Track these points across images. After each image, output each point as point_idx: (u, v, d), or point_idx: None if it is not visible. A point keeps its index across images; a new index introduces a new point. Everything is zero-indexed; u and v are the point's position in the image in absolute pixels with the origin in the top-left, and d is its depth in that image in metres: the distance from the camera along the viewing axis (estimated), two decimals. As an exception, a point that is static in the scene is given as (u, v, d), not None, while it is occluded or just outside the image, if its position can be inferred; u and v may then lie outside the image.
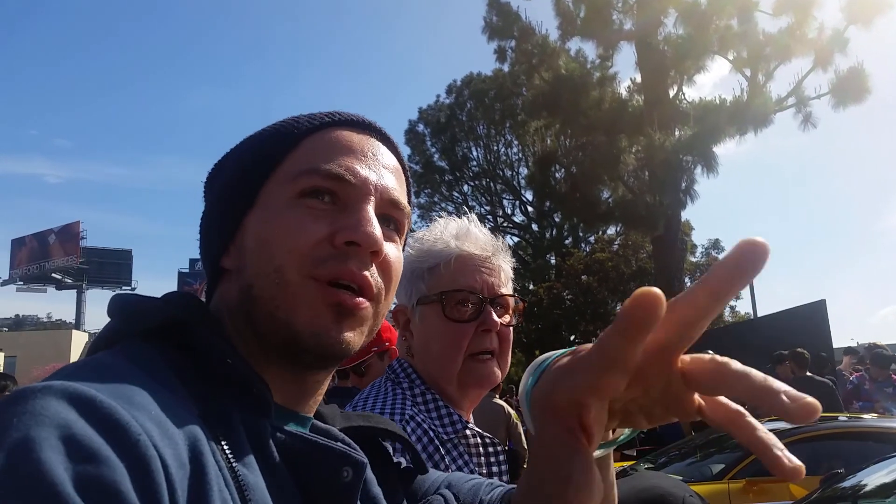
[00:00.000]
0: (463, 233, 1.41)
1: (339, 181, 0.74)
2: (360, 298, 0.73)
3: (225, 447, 0.60)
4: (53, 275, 68.69)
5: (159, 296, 0.75)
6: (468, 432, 1.33)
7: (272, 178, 0.75)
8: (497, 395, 8.26)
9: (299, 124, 0.78)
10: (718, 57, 17.01)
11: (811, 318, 12.36)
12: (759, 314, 19.67)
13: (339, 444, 0.72)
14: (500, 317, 1.36)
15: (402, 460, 0.89)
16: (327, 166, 0.74)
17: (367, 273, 0.74)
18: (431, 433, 1.25)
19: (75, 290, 71.65)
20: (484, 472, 1.33)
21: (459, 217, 1.46)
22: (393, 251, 0.79)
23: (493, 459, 1.36)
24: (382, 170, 0.79)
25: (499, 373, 1.37)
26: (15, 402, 0.49)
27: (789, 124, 16.67)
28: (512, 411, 8.14)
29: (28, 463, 0.45)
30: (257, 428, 0.66)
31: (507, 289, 1.40)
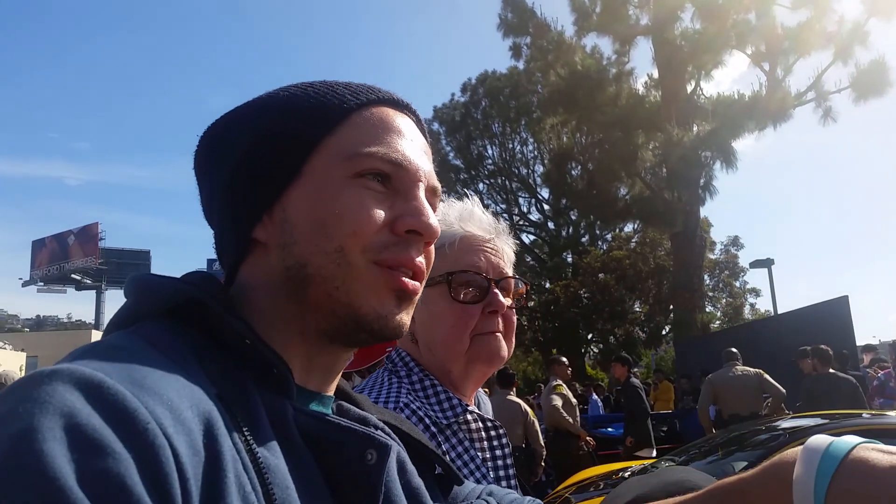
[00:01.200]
0: (467, 214, 1.39)
1: (396, 166, 0.74)
2: (417, 283, 0.74)
3: (244, 429, 0.58)
4: (73, 275, 69.62)
5: (178, 275, 0.73)
6: (469, 417, 1.30)
7: (319, 152, 0.73)
8: (512, 392, 8.23)
9: (346, 98, 0.75)
10: (736, 51, 16.87)
11: (834, 315, 12.21)
12: (780, 311, 19.50)
13: (361, 426, 0.70)
14: (503, 298, 1.33)
15: (438, 468, 0.88)
16: (385, 150, 0.73)
17: (421, 260, 0.75)
18: (427, 420, 1.22)
19: (94, 291, 72.58)
20: (487, 455, 1.30)
21: (462, 200, 1.44)
22: None
23: (495, 443, 1.32)
24: (424, 155, 0.79)
25: (507, 350, 1.35)
26: (23, 387, 0.48)
27: (809, 119, 16.51)
28: (528, 409, 8.10)
29: (29, 454, 0.43)
30: (278, 408, 0.64)
31: (509, 270, 1.38)
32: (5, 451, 0.43)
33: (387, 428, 0.80)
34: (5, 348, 44.67)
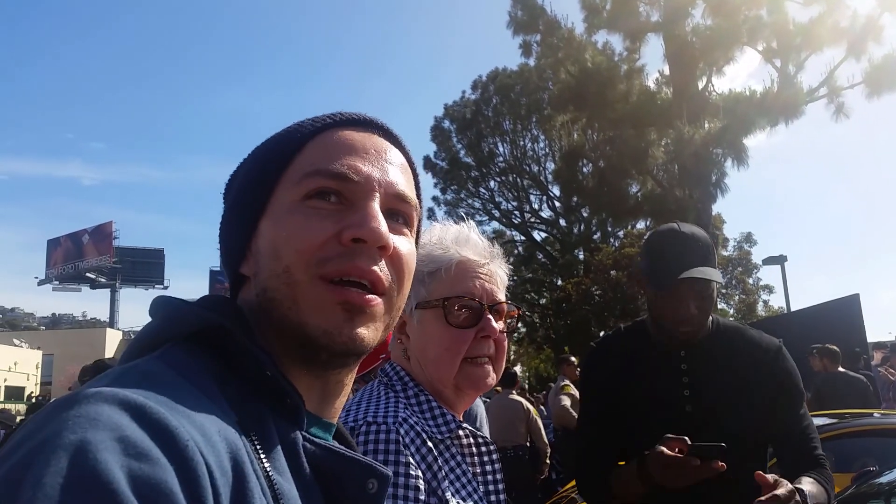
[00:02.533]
0: (463, 238, 1.43)
1: (343, 180, 0.75)
2: (371, 295, 0.74)
3: (262, 455, 0.62)
4: (88, 274, 70.09)
5: (195, 298, 0.77)
6: (461, 433, 1.34)
7: (281, 184, 0.77)
8: (515, 392, 8.24)
9: (303, 127, 0.79)
10: (747, 48, 16.74)
11: (845, 313, 12.13)
12: (794, 308, 19.37)
13: (363, 456, 0.74)
14: (495, 322, 1.38)
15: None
16: (329, 166, 0.75)
17: (376, 268, 0.74)
18: (424, 435, 1.25)
19: (109, 290, 72.98)
20: (478, 471, 1.34)
21: (458, 223, 1.48)
22: (404, 244, 0.79)
23: (486, 459, 1.36)
24: (386, 165, 0.79)
25: (494, 376, 1.39)
26: (68, 406, 0.51)
27: (821, 115, 16.31)
28: (531, 407, 8.12)
29: (85, 463, 0.47)
30: (290, 436, 0.68)
31: (502, 295, 1.43)
32: (64, 460, 0.46)
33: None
34: (22, 346, 45.12)
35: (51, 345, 48.00)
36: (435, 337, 1.35)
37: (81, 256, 68.85)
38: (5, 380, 34.48)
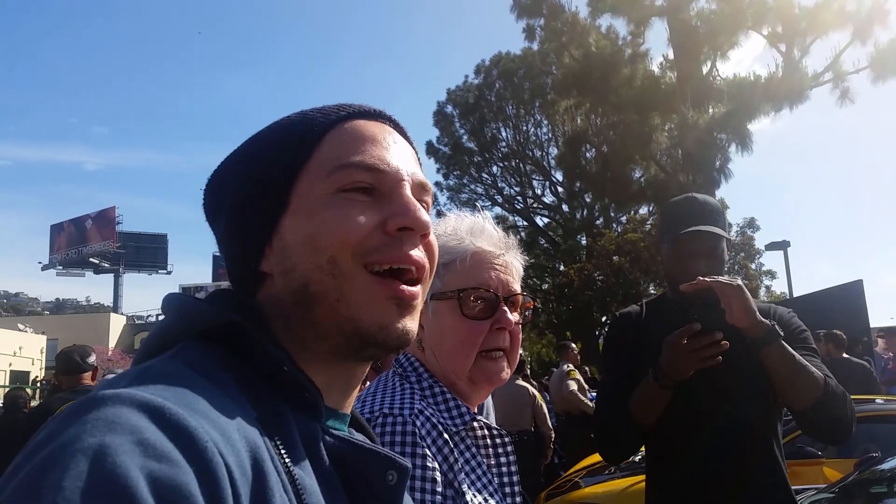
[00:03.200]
0: (478, 229, 1.41)
1: (375, 172, 0.76)
2: (414, 289, 0.76)
3: (282, 450, 0.63)
4: (91, 259, 70.13)
5: (205, 296, 0.78)
6: (476, 424, 1.33)
7: (302, 179, 0.76)
8: (520, 378, 8.27)
9: (315, 121, 0.78)
10: (752, 32, 16.62)
11: (848, 299, 12.12)
12: (796, 294, 19.35)
13: (382, 448, 0.75)
14: (511, 314, 1.37)
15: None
16: (359, 158, 0.75)
17: (421, 255, 0.77)
18: (441, 427, 1.24)
19: (112, 274, 73.02)
20: (492, 462, 1.33)
21: (473, 213, 1.48)
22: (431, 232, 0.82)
23: (500, 451, 1.36)
24: (406, 155, 0.81)
25: (508, 370, 1.39)
26: (87, 409, 0.52)
27: (826, 100, 16.20)
28: (536, 393, 8.14)
29: (105, 467, 0.47)
30: (309, 430, 0.68)
31: (517, 286, 1.41)
32: (83, 464, 0.47)
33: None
34: (26, 331, 45.25)
35: (55, 329, 48.10)
36: (450, 329, 1.34)
37: (85, 241, 68.87)
38: (10, 364, 34.63)
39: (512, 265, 1.42)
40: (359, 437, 0.79)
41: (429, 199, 0.82)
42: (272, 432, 0.63)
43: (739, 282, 2.00)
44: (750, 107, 15.58)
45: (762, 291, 31.72)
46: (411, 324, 0.76)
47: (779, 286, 31.61)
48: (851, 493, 4.30)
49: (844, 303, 12.03)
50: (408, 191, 0.77)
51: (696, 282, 2.00)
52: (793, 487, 4.73)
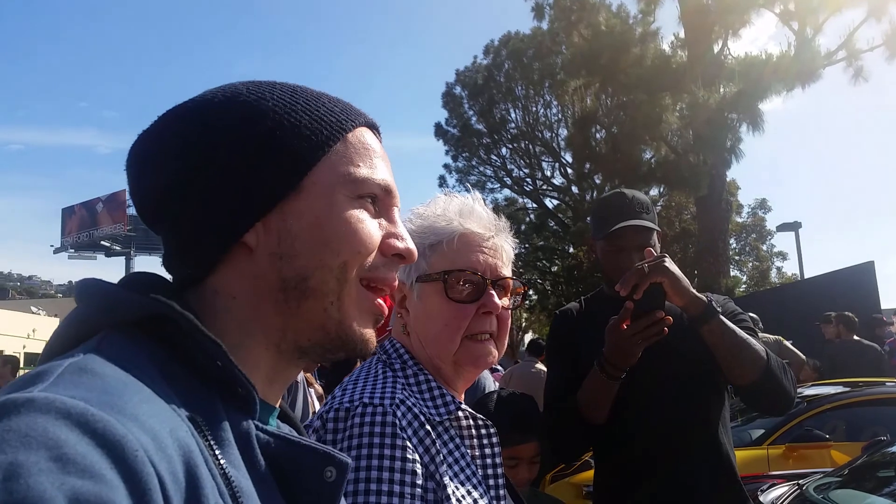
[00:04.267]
0: (467, 210, 1.38)
1: (386, 192, 0.80)
2: (387, 306, 0.81)
3: (216, 451, 0.60)
4: (102, 242, 70.55)
5: (121, 279, 0.72)
6: (460, 414, 1.30)
7: (320, 168, 0.75)
8: (539, 361, 8.24)
9: (341, 120, 0.78)
10: (764, 10, 16.37)
11: (860, 280, 12.05)
12: (808, 274, 19.26)
13: (320, 444, 0.72)
14: (499, 298, 1.34)
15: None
16: (381, 176, 0.79)
17: (396, 282, 0.82)
18: (423, 417, 1.21)
19: (124, 257, 73.44)
20: (476, 453, 1.30)
21: (463, 193, 1.44)
22: None
23: (485, 441, 1.32)
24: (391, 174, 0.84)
25: (496, 353, 1.35)
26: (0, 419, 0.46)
27: (839, 79, 15.93)
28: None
29: (17, 491, 0.42)
30: (243, 428, 0.66)
31: (507, 270, 1.38)
32: None
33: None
34: (40, 314, 45.78)
35: (68, 312, 48.49)
36: (435, 312, 1.31)
37: (96, 225, 69.24)
38: (24, 346, 35.00)
39: (502, 248, 1.38)
40: (286, 429, 0.78)
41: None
42: (205, 431, 0.60)
43: (668, 262, 2.00)
44: (761, 86, 15.36)
45: (773, 273, 31.56)
46: (374, 339, 0.80)
47: (790, 267, 31.43)
48: (859, 477, 4.27)
49: (856, 285, 11.97)
50: (398, 214, 0.82)
51: (624, 278, 1.99)
52: (800, 471, 4.70)
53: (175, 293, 0.68)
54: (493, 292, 1.32)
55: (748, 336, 2.10)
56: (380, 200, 0.80)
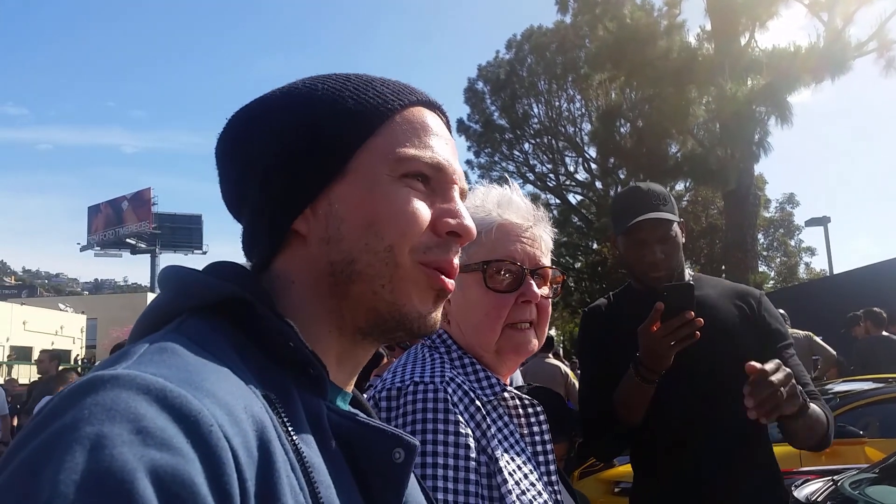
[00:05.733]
0: (505, 201, 1.40)
1: (438, 169, 0.77)
2: (452, 282, 0.78)
3: (290, 428, 0.61)
4: (128, 240, 71.63)
5: (203, 267, 0.76)
6: (506, 394, 1.32)
7: (364, 151, 0.75)
8: (550, 355, 8.20)
9: (388, 99, 0.78)
10: (793, 1, 16.13)
11: (891, 276, 11.84)
12: (837, 270, 18.99)
13: (388, 425, 0.73)
14: (538, 287, 1.35)
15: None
16: (430, 154, 0.77)
17: (457, 261, 0.79)
18: (472, 394, 1.23)
19: (149, 255, 74.44)
20: (525, 432, 1.32)
21: (501, 185, 1.46)
22: None
23: (533, 420, 1.34)
24: (456, 155, 0.83)
25: (536, 342, 1.37)
26: (84, 394, 0.50)
27: (870, 70, 15.70)
28: (569, 371, 8.07)
29: (102, 460, 0.45)
30: (315, 408, 0.67)
31: (546, 259, 1.40)
32: (80, 456, 0.45)
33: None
34: (67, 311, 46.43)
35: (94, 309, 49.28)
36: (475, 301, 1.33)
37: (121, 223, 70.27)
38: (52, 343, 35.50)
39: (540, 238, 1.40)
40: (364, 416, 0.76)
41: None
42: (278, 409, 0.61)
43: (783, 372, 1.81)
44: (790, 78, 15.14)
45: (801, 268, 31.17)
46: (439, 315, 0.79)
47: (819, 263, 31.04)
48: (894, 474, 4.18)
49: (887, 281, 11.76)
50: (457, 194, 0.80)
51: (760, 399, 1.77)
52: (833, 467, 4.61)
53: (251, 279, 0.73)
54: (532, 281, 1.33)
55: (816, 407, 2.05)
56: (433, 179, 0.77)
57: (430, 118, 0.80)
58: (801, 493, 4.13)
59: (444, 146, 0.79)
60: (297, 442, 0.61)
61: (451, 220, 0.77)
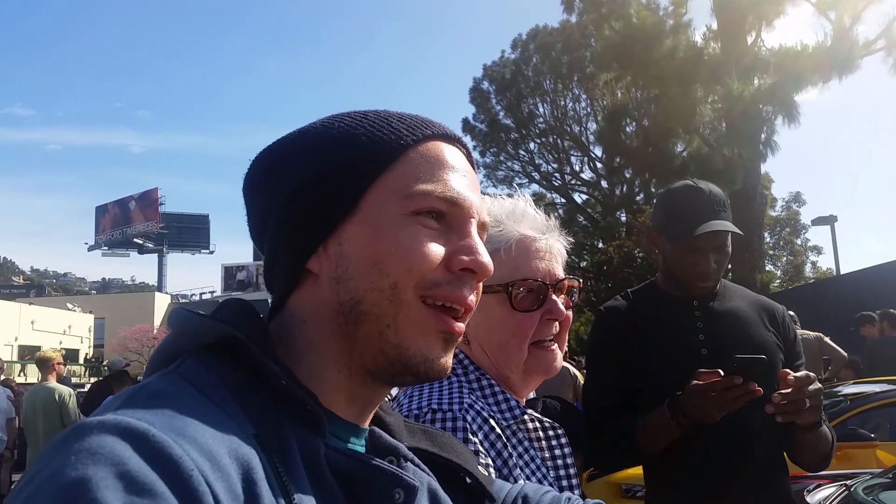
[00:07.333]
0: (519, 213, 1.37)
1: (452, 204, 0.75)
2: (462, 325, 0.76)
3: (280, 470, 0.61)
4: (135, 240, 71.84)
5: (216, 307, 0.77)
6: (527, 418, 1.30)
7: (375, 188, 0.74)
8: (551, 376, 8.14)
9: (402, 134, 0.77)
10: (800, 0, 16.05)
11: (899, 276, 11.77)
12: (843, 269, 18.90)
13: (389, 464, 0.72)
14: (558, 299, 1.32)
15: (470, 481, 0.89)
16: (442, 189, 0.75)
17: (473, 298, 0.77)
18: (492, 421, 1.20)
19: (156, 254, 74.63)
20: (546, 455, 1.29)
21: (512, 193, 1.43)
22: None
23: (554, 443, 1.32)
24: (476, 189, 0.80)
25: (561, 358, 1.35)
26: (71, 440, 0.52)
27: (878, 69, 15.57)
28: (578, 373, 8.04)
29: (85, 503, 0.47)
30: (311, 447, 0.67)
31: (561, 270, 1.37)
32: (63, 501, 0.47)
33: (416, 459, 0.81)
34: (75, 310, 46.59)
35: (102, 309, 49.44)
36: (499, 322, 1.30)
37: (129, 222, 70.50)
38: (61, 342, 35.62)
39: (555, 248, 1.38)
40: (363, 455, 0.75)
41: (484, 236, 0.81)
42: (270, 449, 0.62)
43: (815, 386, 1.83)
44: (797, 77, 15.06)
45: (808, 268, 31.05)
46: (450, 360, 0.76)
47: (825, 262, 30.88)
48: (908, 478, 4.14)
49: (894, 281, 11.69)
50: (474, 229, 0.77)
51: (788, 382, 1.79)
52: (844, 471, 4.57)
53: (252, 319, 0.73)
54: (556, 298, 1.31)
55: (825, 427, 2.04)
56: (448, 214, 0.75)
57: (448, 151, 0.79)
58: (814, 498, 4.10)
59: (461, 179, 0.77)
60: (286, 483, 0.61)
61: (465, 258, 0.74)
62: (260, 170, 0.81)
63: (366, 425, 0.79)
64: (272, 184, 0.78)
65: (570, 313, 1.36)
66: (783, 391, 1.77)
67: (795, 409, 1.78)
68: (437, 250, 0.73)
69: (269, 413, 0.66)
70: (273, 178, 0.78)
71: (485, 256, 0.76)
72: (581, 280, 1.43)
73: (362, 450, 0.77)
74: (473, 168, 0.83)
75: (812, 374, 1.82)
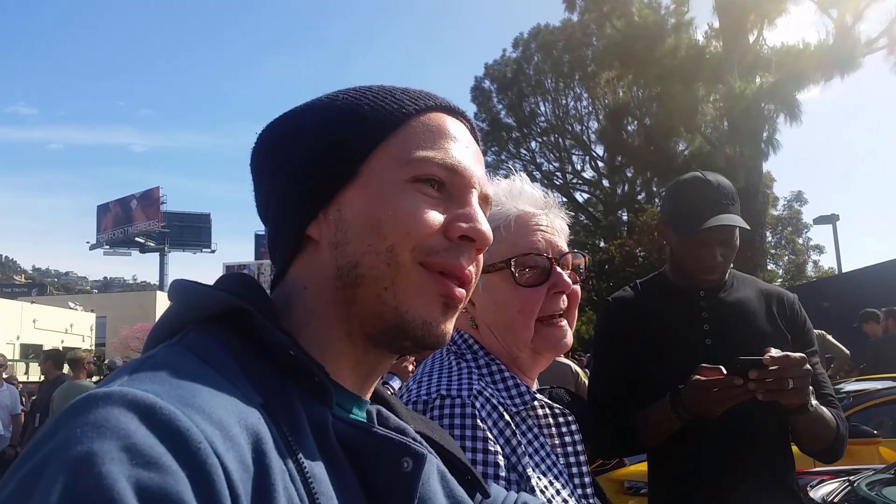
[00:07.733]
0: (516, 191, 1.35)
1: (452, 171, 0.75)
2: (463, 290, 0.75)
3: (289, 438, 0.61)
4: (137, 238, 71.85)
5: (215, 280, 0.76)
6: (536, 404, 1.27)
7: (376, 155, 0.75)
8: (561, 353, 8.14)
9: (404, 103, 0.77)
10: (802, -2, 16.05)
11: (902, 274, 11.77)
12: (845, 268, 18.89)
13: (397, 434, 0.72)
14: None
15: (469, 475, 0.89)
16: (442, 156, 0.75)
17: (471, 268, 0.76)
18: (501, 408, 1.18)
19: (158, 253, 74.68)
20: (556, 442, 1.27)
21: (507, 177, 1.41)
22: None
23: (564, 430, 1.29)
24: (477, 161, 0.80)
25: (570, 334, 1.33)
26: (78, 412, 0.51)
27: (880, 67, 15.58)
28: (579, 370, 8.04)
29: (90, 478, 0.46)
30: (319, 416, 0.66)
31: (565, 245, 1.35)
32: (69, 475, 0.46)
33: (421, 439, 0.81)
34: (76, 309, 46.63)
35: (104, 307, 49.51)
36: (505, 300, 1.27)
37: (130, 221, 70.54)
38: (62, 341, 35.67)
39: (555, 223, 1.35)
40: (369, 424, 0.75)
41: (487, 211, 0.81)
42: (278, 418, 0.61)
43: (808, 365, 1.83)
44: (799, 76, 15.07)
45: (809, 266, 31.05)
46: (450, 327, 0.75)
47: (827, 261, 30.88)
48: (911, 474, 4.15)
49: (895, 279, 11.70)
50: (475, 199, 0.77)
51: (765, 361, 1.79)
52: (847, 467, 4.55)
53: (256, 290, 0.72)
54: (560, 270, 1.28)
55: (825, 411, 2.01)
56: (448, 183, 0.75)
57: (451, 123, 0.79)
58: (818, 493, 4.10)
59: (463, 150, 0.78)
60: (296, 451, 0.60)
61: (464, 224, 0.74)
62: (266, 143, 0.81)
63: (367, 397, 0.79)
64: (278, 156, 0.79)
65: (577, 287, 1.33)
66: (760, 368, 1.77)
67: (778, 388, 1.76)
68: (435, 216, 0.73)
69: (277, 383, 0.65)
70: (279, 152, 0.79)
71: (483, 225, 0.75)
72: (587, 254, 1.40)
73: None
74: (478, 143, 0.83)
75: (800, 355, 1.79)
